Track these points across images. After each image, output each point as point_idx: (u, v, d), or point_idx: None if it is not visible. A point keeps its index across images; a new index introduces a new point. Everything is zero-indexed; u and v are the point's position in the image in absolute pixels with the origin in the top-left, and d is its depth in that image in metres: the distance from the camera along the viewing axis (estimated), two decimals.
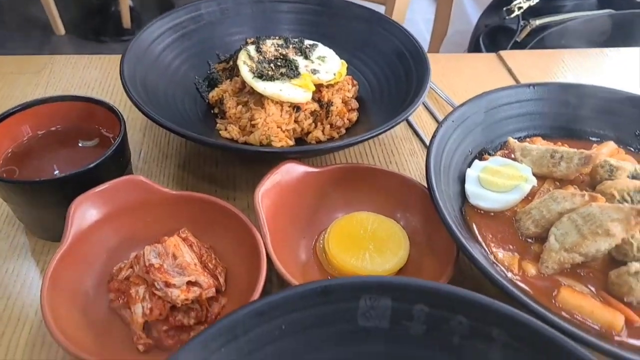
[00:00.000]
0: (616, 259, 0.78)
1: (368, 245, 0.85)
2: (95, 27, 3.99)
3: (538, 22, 1.89)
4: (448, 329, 0.66)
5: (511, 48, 1.82)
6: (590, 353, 0.59)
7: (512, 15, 1.91)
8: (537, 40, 1.89)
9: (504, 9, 1.93)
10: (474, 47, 2.13)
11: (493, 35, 2.12)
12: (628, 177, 0.86)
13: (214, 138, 1.03)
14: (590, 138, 1.04)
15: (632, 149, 1.02)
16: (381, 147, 1.16)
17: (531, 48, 1.78)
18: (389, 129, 0.96)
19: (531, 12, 1.91)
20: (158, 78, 1.10)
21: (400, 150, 1.16)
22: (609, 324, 0.71)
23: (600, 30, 1.89)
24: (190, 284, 0.75)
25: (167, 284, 0.74)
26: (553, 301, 0.74)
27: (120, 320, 0.77)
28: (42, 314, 0.68)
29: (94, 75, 1.31)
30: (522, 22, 1.91)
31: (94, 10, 4.19)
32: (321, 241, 0.89)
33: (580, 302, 0.73)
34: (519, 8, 1.91)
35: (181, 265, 0.77)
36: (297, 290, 0.66)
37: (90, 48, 3.80)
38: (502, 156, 0.97)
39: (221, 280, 0.81)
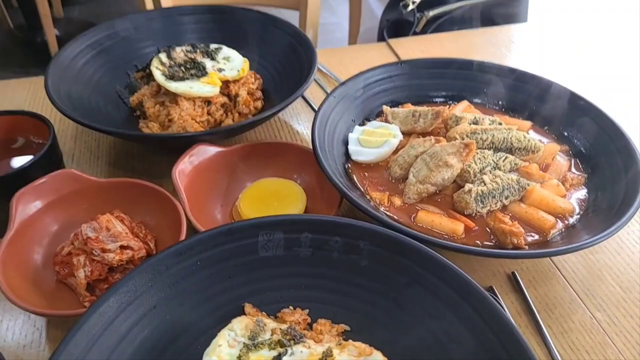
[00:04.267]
0: (461, 185, 1.00)
1: (273, 203, 1.04)
2: (22, 59, 4.01)
3: (431, 13, 2.12)
4: (328, 248, 0.86)
5: None
6: (435, 250, 0.81)
7: (408, 9, 2.15)
8: (433, 29, 2.14)
9: (401, 4, 2.17)
10: (379, 41, 2.37)
11: (395, 29, 2.37)
12: (469, 123, 1.09)
13: None
14: (449, 101, 1.27)
15: (481, 102, 1.26)
16: (287, 125, 1.36)
17: None
18: (286, 106, 1.16)
19: (426, 4, 2.14)
20: (82, 90, 1.25)
21: (303, 125, 1.36)
22: (452, 231, 0.93)
23: (482, 15, 2.18)
24: (123, 248, 0.92)
25: (103, 250, 0.90)
26: (413, 221, 0.96)
27: (68, 288, 0.92)
28: None
29: (23, 96, 1.44)
30: (417, 15, 2.14)
31: (21, 43, 4.20)
32: (235, 206, 1.07)
33: (432, 219, 0.95)
34: (413, 2, 2.16)
35: (114, 234, 0.93)
36: (207, 233, 0.84)
37: None
38: (379, 121, 1.19)
39: (151, 245, 0.98)
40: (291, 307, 0.84)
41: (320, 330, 0.81)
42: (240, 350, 0.70)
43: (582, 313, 0.95)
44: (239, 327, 0.73)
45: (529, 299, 0.96)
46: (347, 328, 0.82)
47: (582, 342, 0.91)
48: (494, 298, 0.84)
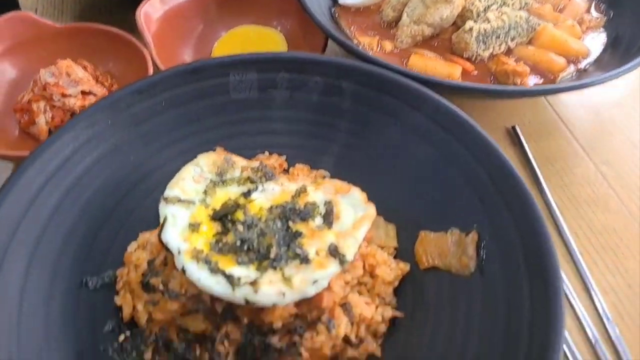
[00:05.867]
0: (461, 26, 0.89)
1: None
2: None
3: None
4: (307, 90, 0.77)
5: None
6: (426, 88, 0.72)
7: None
8: None
9: None
10: None
11: None
12: None
13: None
14: None
15: None
16: None
17: None
18: None
19: None
20: None
21: None
22: (448, 74, 0.83)
23: None
24: (84, 94, 0.84)
25: (64, 95, 0.82)
26: (404, 66, 0.86)
27: (31, 138, 0.86)
28: None
29: None
30: None
31: None
32: (209, 57, 0.97)
33: (426, 62, 0.85)
34: None
35: (75, 80, 0.84)
36: (171, 71, 0.75)
37: None
38: None
39: None
40: (267, 153, 0.78)
41: (297, 174, 0.75)
42: (207, 186, 0.64)
43: (586, 166, 0.88)
44: (205, 162, 0.66)
45: (528, 152, 0.89)
46: (327, 174, 0.76)
47: (582, 195, 0.85)
48: None
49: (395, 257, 0.68)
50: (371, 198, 0.65)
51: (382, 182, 0.72)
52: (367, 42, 0.89)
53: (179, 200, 0.61)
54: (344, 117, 0.76)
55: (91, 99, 0.83)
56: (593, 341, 0.70)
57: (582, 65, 0.87)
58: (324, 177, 0.76)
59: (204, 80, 0.76)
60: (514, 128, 0.92)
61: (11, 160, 0.81)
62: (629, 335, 0.72)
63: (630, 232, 0.81)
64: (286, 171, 0.77)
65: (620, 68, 0.78)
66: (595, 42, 0.90)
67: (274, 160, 0.76)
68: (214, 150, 0.75)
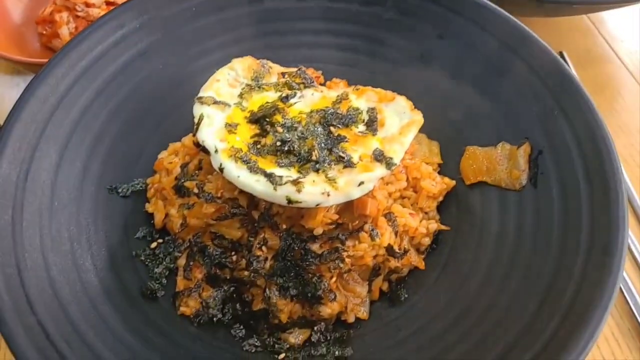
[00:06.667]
0: None
1: None
2: None
3: None
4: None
5: None
6: None
7: None
8: None
9: None
10: None
11: None
12: None
13: None
14: None
15: None
16: None
17: None
18: None
19: None
20: None
21: None
22: None
23: None
24: (109, 3, 0.79)
25: (87, 4, 0.78)
26: None
27: (53, 53, 0.82)
28: None
29: None
30: None
31: None
32: None
33: None
34: None
35: None
36: None
37: None
38: None
39: None
40: (303, 67, 0.73)
41: (334, 87, 0.71)
42: (242, 89, 0.60)
43: (636, 92, 0.83)
44: (240, 67, 0.62)
45: (577, 79, 0.83)
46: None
47: (632, 121, 0.80)
48: None
49: (439, 173, 0.65)
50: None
51: (427, 98, 0.68)
52: None
53: (214, 102, 0.57)
54: (386, 28, 0.71)
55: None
56: None
57: None
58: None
59: None
60: (561, 54, 0.86)
61: (33, 72, 0.78)
62: None
63: None
64: (323, 85, 0.72)
65: None
66: None
67: (311, 73, 0.71)
68: None
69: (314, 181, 0.51)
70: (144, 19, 0.67)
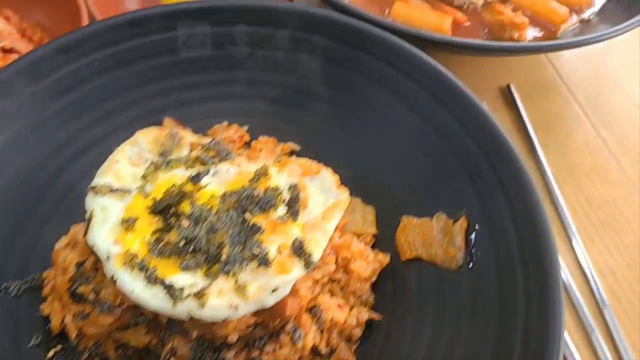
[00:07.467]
0: None
1: None
2: None
3: None
4: (272, 46, 0.65)
5: None
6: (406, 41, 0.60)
7: None
8: None
9: None
10: None
11: None
12: None
13: None
14: None
15: None
16: None
17: None
18: None
19: None
20: None
21: None
22: (437, 27, 0.71)
23: None
24: (6, 51, 0.70)
25: None
26: (386, 15, 0.74)
27: None
28: None
29: None
30: None
31: None
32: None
33: (411, 12, 0.73)
34: None
35: None
36: (104, 23, 0.62)
37: None
38: None
39: None
40: (225, 123, 0.66)
41: (260, 149, 0.64)
42: (146, 169, 0.53)
43: (586, 131, 0.79)
44: (144, 140, 0.55)
45: (524, 114, 0.79)
46: (296, 147, 0.66)
47: (582, 163, 0.76)
48: None
49: (373, 246, 0.60)
50: (347, 175, 0.56)
51: (359, 157, 0.63)
52: None
53: (111, 190, 0.50)
54: (315, 78, 0.65)
55: (14, 58, 0.70)
56: (589, 330, 0.64)
57: (586, 15, 0.76)
58: (291, 152, 0.65)
59: (147, 35, 0.63)
60: (508, 87, 0.81)
61: None
62: (626, 320, 0.66)
63: (631, 204, 0.74)
64: (247, 145, 0.66)
65: (627, 21, 0.68)
66: None
67: (234, 132, 0.65)
68: (161, 122, 0.64)
69: (220, 291, 0.45)
70: (36, 82, 0.58)
